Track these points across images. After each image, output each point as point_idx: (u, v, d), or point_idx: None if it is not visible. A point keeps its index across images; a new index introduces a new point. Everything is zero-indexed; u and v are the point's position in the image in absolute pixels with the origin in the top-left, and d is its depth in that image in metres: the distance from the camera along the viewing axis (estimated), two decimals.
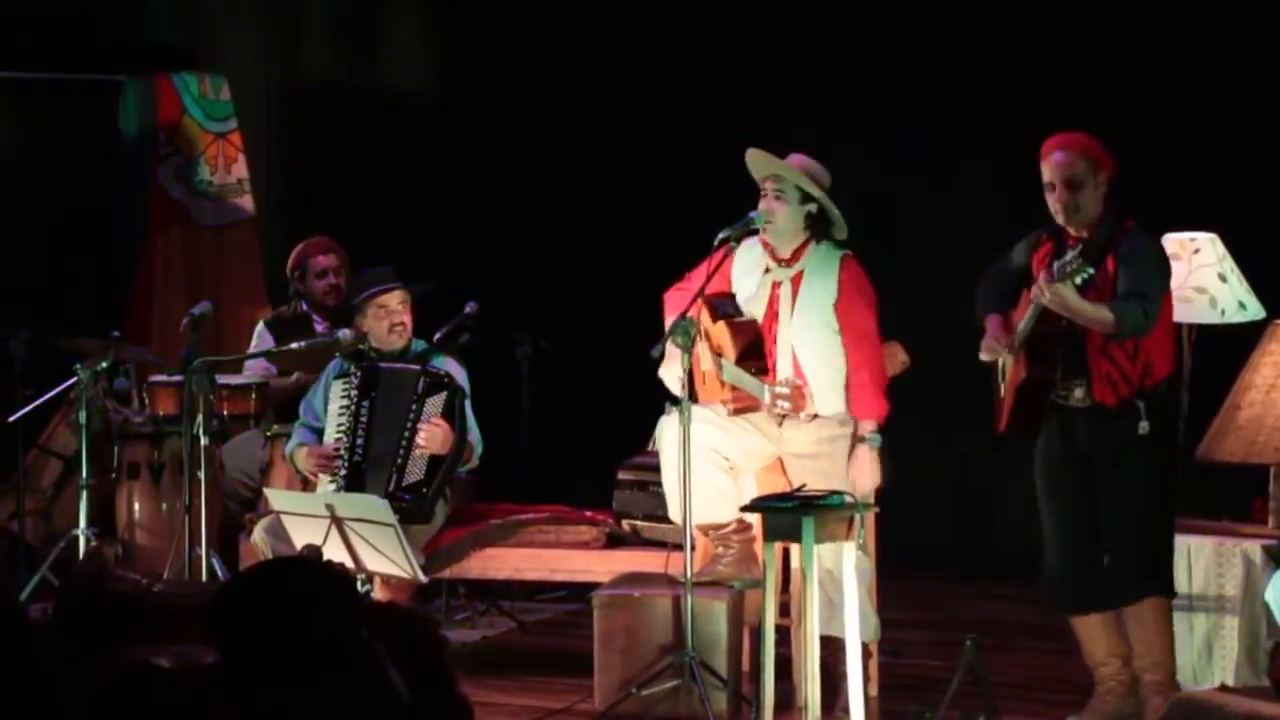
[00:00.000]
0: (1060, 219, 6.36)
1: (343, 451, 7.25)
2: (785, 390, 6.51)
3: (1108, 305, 6.20)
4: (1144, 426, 6.26)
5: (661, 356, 6.87)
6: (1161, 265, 6.39)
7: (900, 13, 9.45)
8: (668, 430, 6.84)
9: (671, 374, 6.84)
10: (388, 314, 7.37)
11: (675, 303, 6.98)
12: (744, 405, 6.73)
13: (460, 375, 7.38)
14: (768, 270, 6.93)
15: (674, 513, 6.88)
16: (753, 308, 6.90)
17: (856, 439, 6.78)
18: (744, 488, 6.94)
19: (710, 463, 6.78)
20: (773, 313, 6.88)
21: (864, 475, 6.74)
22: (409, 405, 7.23)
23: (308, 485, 7.49)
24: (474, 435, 7.35)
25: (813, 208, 6.87)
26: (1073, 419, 6.36)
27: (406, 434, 7.20)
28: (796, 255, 6.90)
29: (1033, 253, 6.48)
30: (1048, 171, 6.36)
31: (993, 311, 6.50)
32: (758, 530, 6.82)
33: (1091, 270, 6.09)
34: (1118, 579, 6.35)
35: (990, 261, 6.65)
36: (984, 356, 6.50)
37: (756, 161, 6.91)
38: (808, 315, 6.81)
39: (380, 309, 7.37)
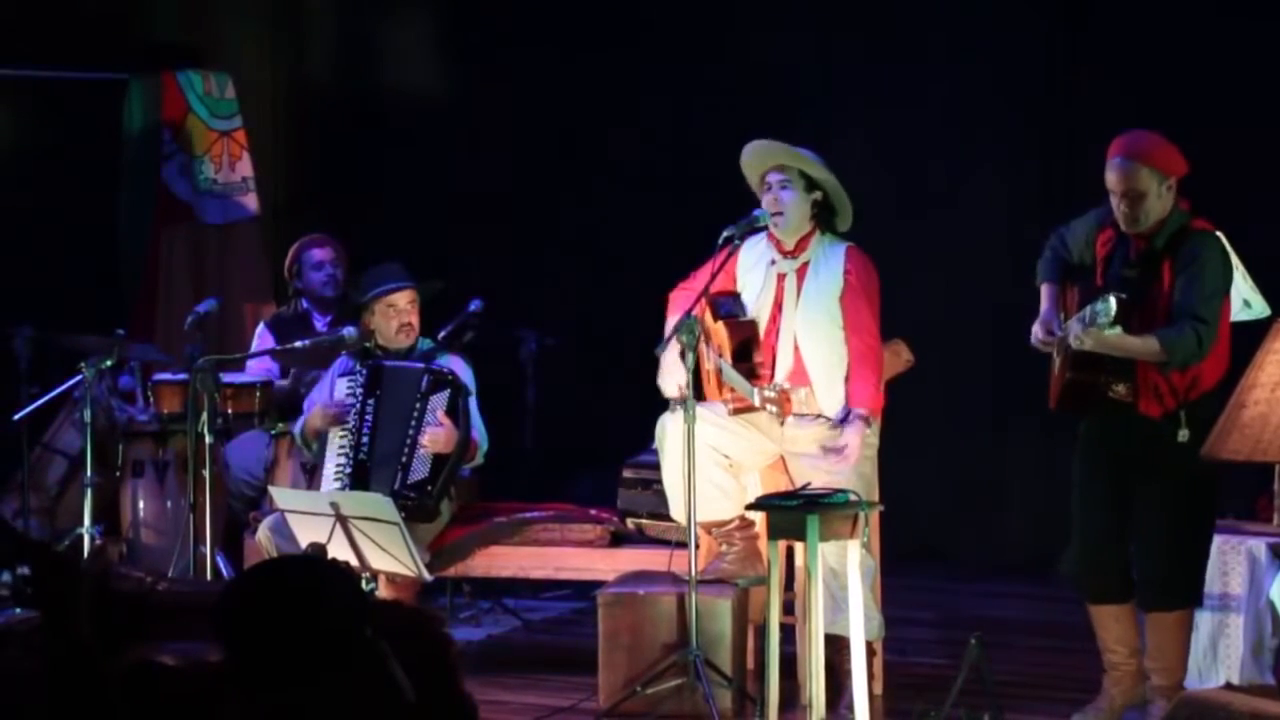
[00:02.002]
0: (1122, 225, 6.21)
1: (348, 450, 7.26)
2: (773, 395, 6.49)
3: (1156, 336, 6.06)
4: (1183, 435, 6.19)
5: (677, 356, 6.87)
6: (1222, 277, 6.24)
7: (902, 10, 9.45)
8: (668, 429, 6.84)
9: (671, 380, 6.85)
10: (396, 313, 7.38)
11: (679, 303, 6.98)
12: (743, 405, 6.72)
13: (465, 373, 7.38)
14: (773, 262, 6.92)
15: (675, 511, 6.89)
16: (760, 301, 6.90)
17: (851, 415, 6.76)
18: (748, 486, 6.95)
19: (710, 461, 6.78)
20: (777, 305, 6.88)
21: (854, 441, 6.68)
22: (413, 404, 7.23)
23: (312, 483, 7.50)
24: (479, 433, 7.35)
25: (818, 196, 6.87)
26: (1115, 413, 6.27)
27: (411, 432, 7.21)
28: (801, 246, 6.90)
29: (1097, 233, 6.33)
30: (1110, 177, 6.18)
31: (1050, 280, 6.38)
32: (761, 528, 6.82)
33: (1121, 329, 5.93)
34: (1145, 585, 6.33)
35: (1055, 226, 6.50)
36: (1036, 345, 6.37)
37: (759, 154, 6.89)
38: (811, 308, 6.81)
39: (389, 308, 7.38)
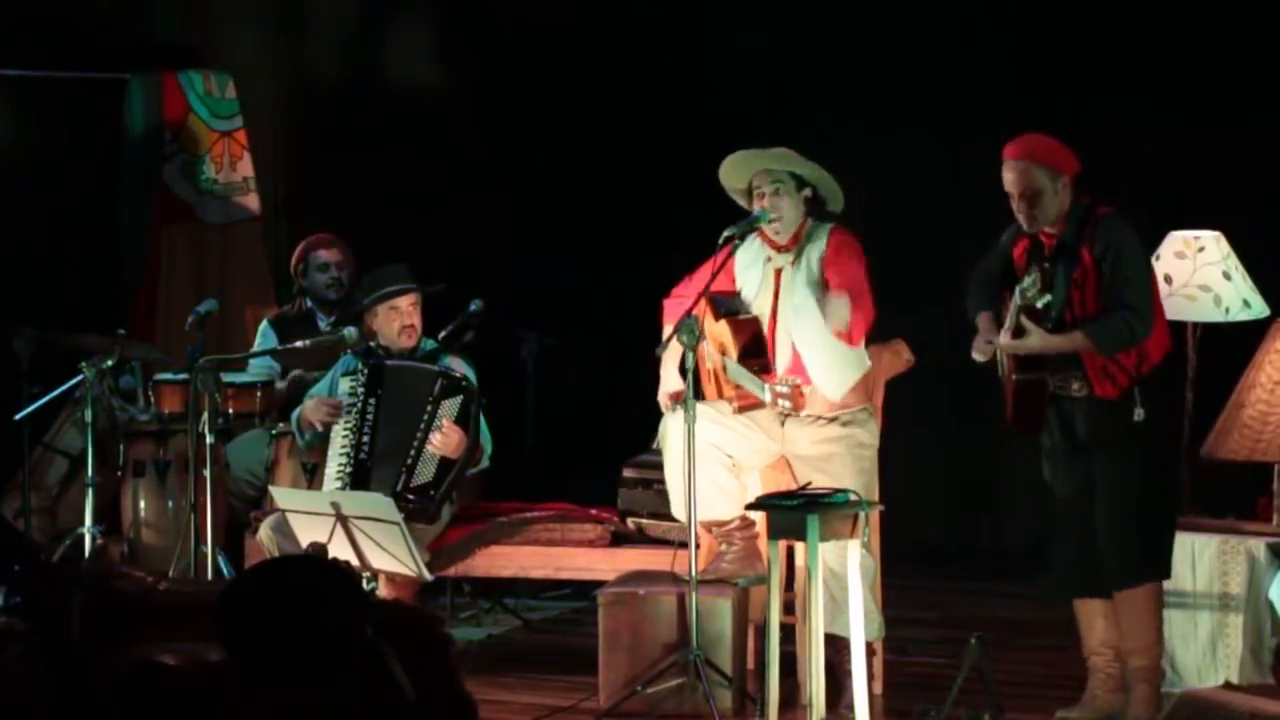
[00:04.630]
0: (1024, 226, 6.36)
1: (348, 449, 7.26)
2: (785, 389, 6.51)
3: (1081, 331, 6.18)
4: (1139, 413, 6.25)
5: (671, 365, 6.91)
6: (1142, 257, 6.35)
7: (898, 10, 9.45)
8: (671, 428, 6.85)
9: (662, 389, 6.93)
10: (398, 315, 7.38)
11: (673, 310, 6.99)
12: (748, 404, 6.73)
13: (471, 377, 7.38)
14: (769, 259, 6.93)
15: (677, 510, 6.89)
16: (759, 299, 6.91)
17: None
18: (749, 485, 6.95)
19: (712, 460, 6.79)
20: (777, 299, 6.88)
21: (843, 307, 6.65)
22: (423, 406, 7.23)
23: (313, 483, 7.50)
24: (484, 438, 7.36)
25: (809, 193, 6.88)
26: (1071, 408, 6.36)
27: (419, 435, 7.21)
28: (795, 239, 6.90)
29: (1012, 247, 6.47)
30: (1007, 178, 6.36)
31: (983, 309, 6.49)
32: (761, 527, 6.83)
33: (1049, 297, 6.10)
34: (1110, 565, 6.35)
35: (976, 261, 6.65)
36: (976, 357, 6.48)
37: (739, 165, 6.89)
38: (799, 290, 6.76)
39: (392, 310, 7.38)
